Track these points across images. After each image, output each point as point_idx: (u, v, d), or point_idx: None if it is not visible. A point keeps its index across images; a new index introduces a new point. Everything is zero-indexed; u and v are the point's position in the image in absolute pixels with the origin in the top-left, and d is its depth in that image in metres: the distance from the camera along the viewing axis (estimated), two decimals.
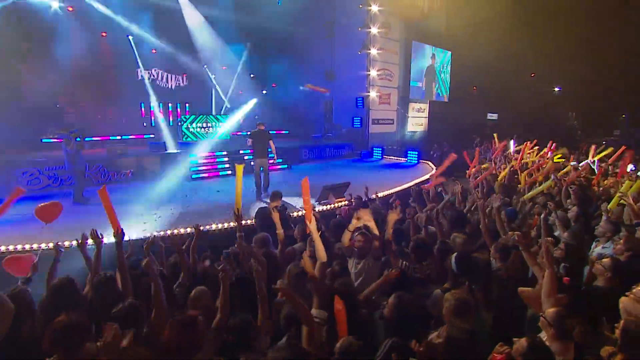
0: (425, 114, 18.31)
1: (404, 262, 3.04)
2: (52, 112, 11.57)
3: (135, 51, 12.86)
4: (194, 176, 10.09)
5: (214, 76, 14.94)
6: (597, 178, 6.76)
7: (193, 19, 13.47)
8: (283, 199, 5.48)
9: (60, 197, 7.23)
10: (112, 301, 2.30)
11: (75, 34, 11.48)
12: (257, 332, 2.11)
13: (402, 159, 13.84)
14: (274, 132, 12.82)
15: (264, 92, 16.59)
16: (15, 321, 2.22)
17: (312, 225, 2.77)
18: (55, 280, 2.74)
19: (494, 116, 26.57)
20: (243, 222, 3.57)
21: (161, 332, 1.98)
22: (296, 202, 6.66)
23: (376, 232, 3.45)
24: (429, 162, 12.77)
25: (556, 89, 29.55)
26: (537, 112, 24.35)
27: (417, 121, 17.85)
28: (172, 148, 11.24)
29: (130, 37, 12.62)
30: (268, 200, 6.01)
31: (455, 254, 2.88)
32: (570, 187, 5.15)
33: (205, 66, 14.65)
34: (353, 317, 2.44)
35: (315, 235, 2.73)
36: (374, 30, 14.33)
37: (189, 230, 5.04)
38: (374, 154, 14.58)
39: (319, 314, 2.20)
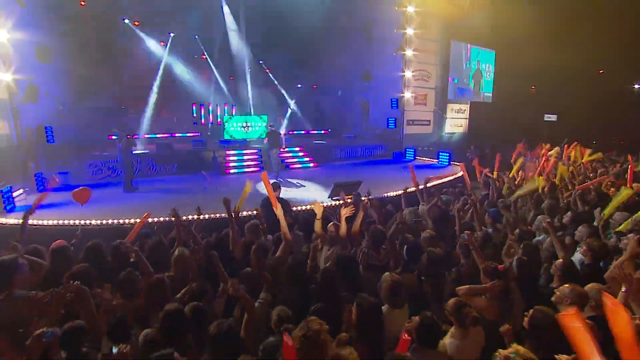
0: (466, 115, 17.73)
1: (364, 249, 3.42)
2: (118, 113, 13.33)
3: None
4: (231, 171, 11.08)
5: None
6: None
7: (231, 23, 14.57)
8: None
9: (115, 185, 8.60)
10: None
11: (138, 43, 13.22)
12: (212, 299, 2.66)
13: (434, 160, 13.70)
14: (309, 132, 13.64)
15: (299, 85, 17.26)
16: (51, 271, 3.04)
17: (278, 211, 3.29)
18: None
19: (553, 117, 24.73)
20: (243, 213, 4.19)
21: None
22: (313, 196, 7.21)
23: (357, 225, 3.84)
24: (460, 164, 12.50)
25: (637, 86, 26.45)
26: (607, 112, 22.05)
27: (456, 122, 17.36)
28: (212, 145, 12.38)
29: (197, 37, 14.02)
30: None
31: (406, 245, 3.21)
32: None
33: (249, 69, 15.75)
34: (305, 291, 2.92)
35: (281, 219, 3.25)
36: (409, 31, 14.32)
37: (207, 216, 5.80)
38: (407, 154, 14.57)
39: (265, 296, 2.69)
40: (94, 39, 11.83)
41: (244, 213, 4.91)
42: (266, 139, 10.37)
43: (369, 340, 2.21)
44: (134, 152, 8.76)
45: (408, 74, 14.80)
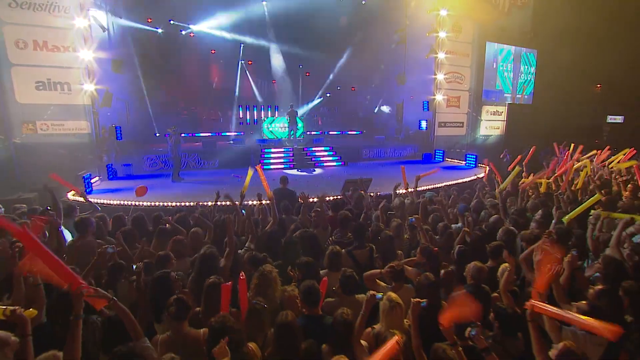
0: (503, 117, 17.34)
1: (335, 231, 4.32)
2: (174, 113, 15.30)
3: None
4: (265, 167, 12.37)
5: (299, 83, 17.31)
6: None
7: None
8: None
9: (166, 176, 10.26)
10: None
11: (193, 52, 15.10)
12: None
13: (462, 162, 13.84)
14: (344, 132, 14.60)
15: (328, 94, 18.12)
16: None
17: (268, 195, 4.38)
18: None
19: (618, 118, 22.82)
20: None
21: None
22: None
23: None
24: (488, 166, 12.59)
25: None
26: None
27: (491, 124, 17.09)
28: (250, 143, 13.82)
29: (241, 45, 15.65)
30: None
31: (355, 224, 4.07)
32: None
33: (289, 73, 17.02)
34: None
35: (272, 202, 4.34)
36: (442, 34, 14.55)
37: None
38: (436, 156, 14.84)
39: (249, 245, 3.73)
40: (156, 51, 13.88)
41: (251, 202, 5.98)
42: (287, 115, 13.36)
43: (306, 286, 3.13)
44: (181, 148, 10.38)
45: (440, 76, 15.03)
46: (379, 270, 3.20)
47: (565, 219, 4.52)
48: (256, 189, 5.17)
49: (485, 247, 3.82)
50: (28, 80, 9.48)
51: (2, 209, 4.97)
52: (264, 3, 15.10)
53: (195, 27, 14.65)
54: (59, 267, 2.05)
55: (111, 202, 7.45)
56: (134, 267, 2.86)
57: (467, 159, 13.44)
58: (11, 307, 1.96)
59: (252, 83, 17.02)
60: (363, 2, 15.54)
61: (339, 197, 6.67)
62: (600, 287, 2.78)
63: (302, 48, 16.21)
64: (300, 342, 2.29)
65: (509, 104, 17.27)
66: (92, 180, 9.15)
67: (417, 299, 2.44)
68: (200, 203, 6.27)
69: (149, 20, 13.72)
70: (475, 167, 12.96)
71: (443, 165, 13.80)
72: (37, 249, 2.05)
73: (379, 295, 2.53)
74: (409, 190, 6.16)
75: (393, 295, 2.63)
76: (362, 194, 5.93)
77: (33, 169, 8.91)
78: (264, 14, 15.41)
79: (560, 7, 15.78)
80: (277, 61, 16.40)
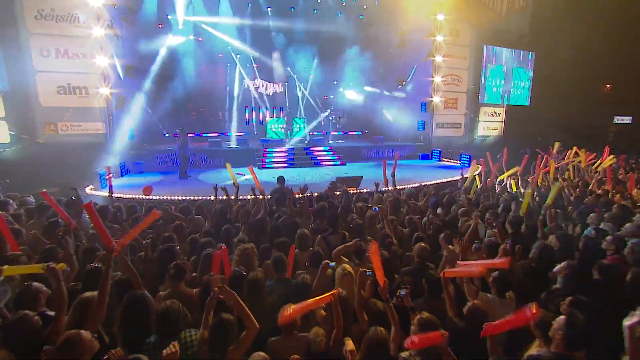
0: (501, 118, 17.73)
1: (316, 220, 4.99)
2: (183, 114, 16.12)
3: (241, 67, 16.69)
4: (267, 165, 13.10)
5: (302, 85, 17.92)
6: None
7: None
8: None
9: (174, 173, 11.05)
10: None
11: (201, 56, 15.89)
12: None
13: (456, 161, 14.34)
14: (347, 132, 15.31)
15: (332, 96, 18.70)
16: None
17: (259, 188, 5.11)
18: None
19: (626, 119, 22.73)
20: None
21: None
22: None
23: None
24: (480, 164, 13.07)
25: None
26: None
27: (490, 125, 17.50)
28: (254, 144, 14.56)
29: (237, 56, 16.45)
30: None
31: (329, 214, 4.72)
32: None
33: (295, 75, 17.67)
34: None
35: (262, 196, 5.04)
36: (439, 38, 15.06)
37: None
38: (433, 156, 15.36)
39: (241, 237, 4.43)
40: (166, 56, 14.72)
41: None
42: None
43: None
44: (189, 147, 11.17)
45: (437, 79, 15.53)
46: (343, 246, 3.86)
47: (522, 210, 5.13)
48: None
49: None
50: (50, 85, 10.40)
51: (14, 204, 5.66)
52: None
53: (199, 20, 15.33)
54: (102, 231, 2.90)
55: (125, 196, 8.25)
56: (144, 242, 3.58)
57: (462, 158, 13.92)
58: (46, 264, 2.68)
59: (256, 85, 17.69)
60: (364, 7, 16.17)
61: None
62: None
63: (304, 54, 16.91)
64: (265, 295, 2.97)
65: (507, 105, 17.65)
66: (107, 177, 9.98)
67: (364, 269, 3.10)
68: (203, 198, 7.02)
69: (160, 26, 14.58)
70: (468, 166, 13.42)
71: (434, 165, 14.39)
72: (95, 219, 3.00)
73: (332, 264, 3.20)
74: (389, 187, 6.77)
75: (347, 266, 3.29)
76: (346, 190, 6.57)
77: (54, 166, 9.79)
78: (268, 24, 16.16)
79: (558, 9, 16.09)
80: (279, 67, 17.07)
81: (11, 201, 5.54)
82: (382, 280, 2.84)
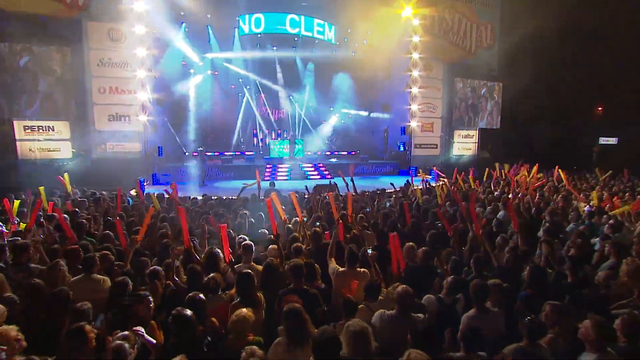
0: (474, 139, 20.28)
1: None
2: (201, 136, 19.20)
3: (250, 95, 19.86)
4: (271, 178, 15.94)
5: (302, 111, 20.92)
6: None
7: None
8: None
9: (194, 182, 14.01)
10: None
11: (216, 87, 19.15)
12: None
13: (428, 176, 16.90)
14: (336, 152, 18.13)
15: (323, 121, 21.51)
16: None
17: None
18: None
19: (612, 140, 24.11)
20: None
21: None
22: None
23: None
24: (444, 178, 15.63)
25: None
26: None
27: (464, 146, 20.05)
28: (259, 161, 17.50)
29: (247, 87, 19.66)
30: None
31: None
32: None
33: (297, 103, 20.68)
34: None
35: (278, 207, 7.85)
36: (415, 73, 17.95)
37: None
38: (409, 172, 17.97)
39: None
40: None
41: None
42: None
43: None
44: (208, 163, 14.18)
45: (414, 107, 18.32)
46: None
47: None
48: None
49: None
50: (104, 115, 13.67)
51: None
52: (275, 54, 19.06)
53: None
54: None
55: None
56: None
57: (431, 173, 16.51)
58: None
59: (263, 112, 20.79)
60: (353, 54, 19.16)
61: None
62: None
63: (303, 84, 19.97)
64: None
65: (480, 128, 20.24)
66: (145, 184, 13.03)
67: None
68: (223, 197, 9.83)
69: (183, 63, 17.92)
70: (435, 180, 15.98)
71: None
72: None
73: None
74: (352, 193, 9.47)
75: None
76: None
77: (103, 176, 12.84)
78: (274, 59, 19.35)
79: (523, 45, 18.74)
80: (282, 95, 20.16)
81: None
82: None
